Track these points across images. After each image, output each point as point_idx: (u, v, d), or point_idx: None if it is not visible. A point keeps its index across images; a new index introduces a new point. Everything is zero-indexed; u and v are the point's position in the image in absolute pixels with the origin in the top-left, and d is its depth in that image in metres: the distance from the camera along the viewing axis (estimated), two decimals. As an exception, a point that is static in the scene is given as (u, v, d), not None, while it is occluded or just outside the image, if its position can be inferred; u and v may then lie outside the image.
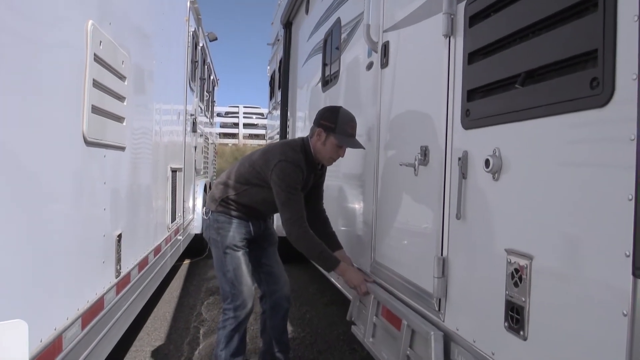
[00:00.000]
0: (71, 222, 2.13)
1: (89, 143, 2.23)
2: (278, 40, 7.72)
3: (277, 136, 7.26)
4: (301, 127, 5.70)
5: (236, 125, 20.88)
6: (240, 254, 2.95)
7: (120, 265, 2.86)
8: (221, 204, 2.98)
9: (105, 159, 2.53)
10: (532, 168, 1.48)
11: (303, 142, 2.94)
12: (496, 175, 1.63)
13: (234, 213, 2.96)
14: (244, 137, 20.74)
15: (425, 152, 2.18)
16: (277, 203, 2.80)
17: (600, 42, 1.22)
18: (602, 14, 1.22)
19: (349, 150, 3.63)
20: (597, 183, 1.24)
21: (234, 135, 20.76)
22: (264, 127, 18.10)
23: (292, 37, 6.44)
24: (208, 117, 9.32)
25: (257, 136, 20.15)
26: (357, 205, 3.35)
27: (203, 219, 3.18)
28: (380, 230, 2.78)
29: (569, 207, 1.33)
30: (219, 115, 18.25)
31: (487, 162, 1.64)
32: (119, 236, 2.83)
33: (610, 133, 1.19)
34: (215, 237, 2.97)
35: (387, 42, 2.72)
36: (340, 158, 2.97)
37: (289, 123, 6.58)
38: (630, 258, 1.07)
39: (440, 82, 2.04)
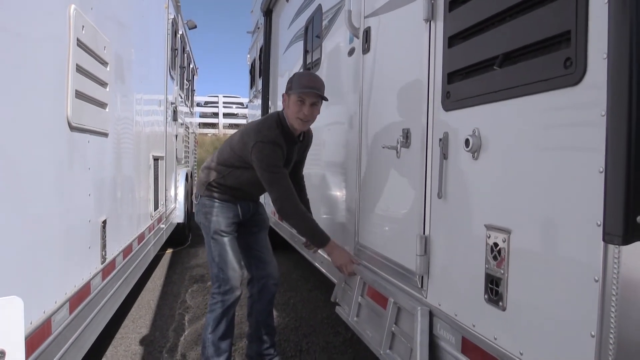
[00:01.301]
0: (57, 207, 2.14)
1: (73, 128, 2.24)
2: (258, 28, 7.70)
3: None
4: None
5: (216, 115, 20.76)
6: (227, 240, 2.95)
7: (105, 252, 2.87)
8: (208, 188, 2.99)
9: (89, 144, 2.53)
10: (510, 146, 1.55)
11: (278, 116, 2.90)
12: (475, 154, 1.70)
13: (221, 196, 2.97)
14: (224, 126, 20.63)
15: (407, 135, 2.24)
16: (263, 184, 2.82)
17: (573, 24, 1.28)
18: (575, -4, 1.28)
19: (330, 139, 3.68)
20: (571, 158, 1.31)
21: (214, 125, 20.64)
22: (244, 116, 18.02)
23: (273, 25, 6.44)
24: (188, 106, 9.27)
25: (237, 126, 20.02)
26: (340, 192, 3.41)
27: (194, 204, 3.19)
28: (363, 214, 2.84)
29: (544, 182, 1.40)
30: (198, 105, 18.12)
31: (467, 142, 1.70)
32: (104, 222, 2.83)
33: (583, 110, 1.26)
34: (204, 222, 3.00)
35: (369, 27, 2.76)
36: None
37: (271, 110, 6.59)
38: (602, 226, 1.14)
39: (421, 65, 2.09)
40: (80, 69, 2.29)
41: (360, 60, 2.86)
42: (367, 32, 2.78)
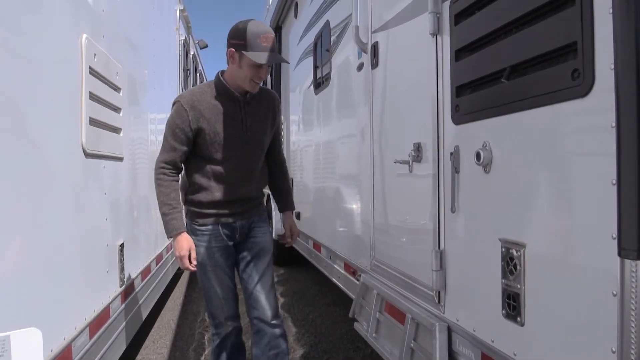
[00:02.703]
0: (75, 233, 2.17)
1: (88, 155, 2.28)
2: (268, 44, 7.74)
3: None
4: (295, 130, 5.74)
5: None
6: (209, 272, 2.49)
7: (123, 275, 2.89)
8: (187, 208, 2.56)
9: (105, 169, 2.57)
10: (521, 159, 1.53)
11: (216, 76, 2.49)
12: (487, 167, 1.68)
13: (198, 215, 2.49)
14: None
15: (418, 149, 2.23)
16: None
17: (579, 35, 1.27)
18: (580, 7, 1.27)
19: (344, 152, 3.68)
20: (582, 170, 1.29)
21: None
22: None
23: (282, 41, 6.49)
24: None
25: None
26: (355, 206, 3.40)
27: None
28: (378, 228, 2.83)
29: (557, 195, 1.38)
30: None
31: (477, 155, 1.69)
32: (122, 245, 2.86)
33: (593, 121, 1.24)
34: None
35: (377, 42, 2.77)
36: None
37: (283, 127, 6.62)
38: (617, 240, 1.12)
39: (430, 79, 2.09)
40: (93, 97, 2.34)
41: (370, 75, 2.87)
42: (375, 47, 2.79)
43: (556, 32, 1.36)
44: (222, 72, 2.47)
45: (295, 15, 5.53)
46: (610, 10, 1.17)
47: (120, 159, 2.90)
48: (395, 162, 2.41)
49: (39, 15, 1.85)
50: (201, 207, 2.47)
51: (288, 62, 2.65)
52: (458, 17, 1.88)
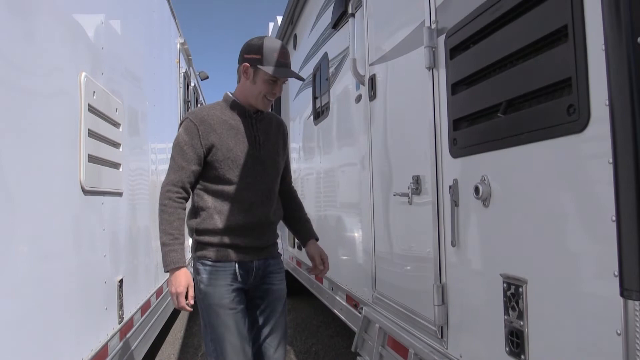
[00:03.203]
0: (72, 270, 2.15)
1: (86, 192, 2.27)
2: (269, 75, 7.83)
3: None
4: (296, 159, 5.75)
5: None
6: (228, 318, 2.17)
7: (122, 311, 2.86)
8: (195, 242, 2.29)
9: (104, 206, 2.56)
10: (520, 194, 1.52)
11: (225, 94, 2.38)
12: (486, 202, 1.67)
13: (211, 253, 2.21)
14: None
15: (417, 181, 2.22)
16: None
17: (573, 71, 1.27)
18: (573, 43, 1.27)
19: (345, 182, 3.67)
20: (582, 206, 1.28)
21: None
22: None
23: (282, 72, 6.54)
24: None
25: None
26: (357, 237, 3.38)
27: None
28: (380, 261, 2.80)
29: (557, 231, 1.36)
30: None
31: (476, 190, 1.68)
32: (120, 281, 2.84)
33: (590, 157, 1.24)
34: (197, 293, 2.23)
35: (374, 75, 2.79)
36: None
37: (284, 156, 6.63)
38: (619, 280, 1.10)
39: (427, 112, 2.09)
40: (92, 134, 2.34)
41: (368, 107, 2.88)
42: (372, 80, 2.81)
43: (550, 68, 1.36)
44: (231, 92, 2.36)
45: (295, 46, 5.60)
46: (603, 47, 1.17)
47: (120, 194, 2.90)
48: (394, 195, 2.40)
49: (38, 54, 1.87)
50: (216, 236, 2.19)
51: (304, 79, 2.62)
52: (453, 51, 1.89)
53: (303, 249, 4.65)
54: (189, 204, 2.31)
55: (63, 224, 2.08)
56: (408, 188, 2.28)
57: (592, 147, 1.22)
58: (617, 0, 1.07)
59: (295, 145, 5.80)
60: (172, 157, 2.23)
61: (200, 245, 2.25)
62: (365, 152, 2.97)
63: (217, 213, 2.21)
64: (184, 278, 2.14)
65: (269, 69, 2.21)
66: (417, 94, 2.22)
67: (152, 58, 4.21)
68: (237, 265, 2.21)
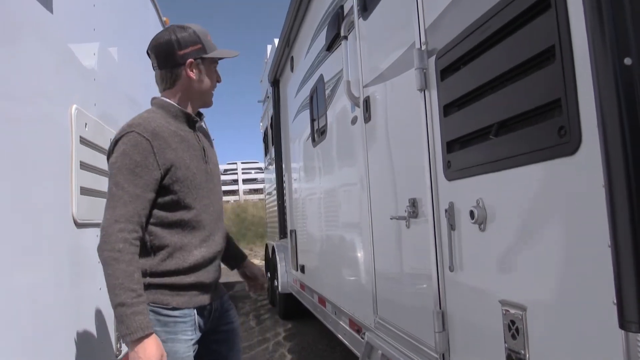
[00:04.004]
0: (65, 305, 2.11)
1: (79, 225, 2.24)
2: (268, 97, 7.87)
3: (275, 191, 7.30)
4: (296, 181, 5.73)
5: (235, 182, 21.02)
6: None
7: (120, 344, 2.81)
8: (146, 283, 1.75)
9: (98, 238, 2.52)
10: (515, 218, 1.48)
11: (156, 103, 1.96)
12: (482, 226, 1.63)
13: (172, 300, 1.78)
14: (245, 192, 20.84)
15: (414, 204, 2.19)
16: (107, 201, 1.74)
17: (562, 91, 1.24)
18: (561, 64, 1.25)
19: (344, 205, 3.63)
20: (578, 231, 1.24)
21: (234, 192, 20.86)
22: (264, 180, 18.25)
23: (281, 94, 6.58)
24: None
25: (256, 191, 20.24)
26: (357, 260, 3.33)
27: None
28: (380, 285, 2.75)
29: (554, 256, 1.32)
30: (218, 173, 18.41)
31: (471, 214, 1.64)
32: (117, 313, 2.79)
33: (584, 180, 1.20)
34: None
35: (368, 97, 2.77)
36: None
37: (285, 178, 6.62)
38: (617, 310, 1.05)
39: (421, 134, 2.06)
40: (84, 166, 2.32)
41: (364, 129, 2.86)
42: (367, 102, 2.79)
43: (540, 89, 1.34)
44: (161, 99, 1.96)
45: (292, 69, 5.61)
46: (591, 68, 1.14)
47: (116, 224, 2.86)
48: (391, 219, 2.36)
49: (26, 88, 1.86)
50: (177, 276, 1.79)
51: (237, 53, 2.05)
52: (444, 73, 1.87)
53: (305, 272, 4.59)
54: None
55: (55, 259, 2.04)
56: (405, 211, 2.24)
57: (585, 170, 1.19)
58: (601, 22, 1.04)
59: (295, 166, 5.78)
60: (116, 185, 1.71)
61: (153, 289, 1.77)
62: (363, 175, 2.93)
63: (177, 250, 1.80)
64: (155, 349, 1.64)
65: (216, 53, 1.93)
66: (411, 115, 2.19)
67: (149, 86, 4.21)
68: (195, 312, 1.84)
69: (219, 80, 2.02)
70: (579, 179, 1.22)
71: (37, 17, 1.92)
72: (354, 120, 3.12)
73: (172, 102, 1.92)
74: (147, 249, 1.79)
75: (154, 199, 1.77)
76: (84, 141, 2.33)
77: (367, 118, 2.79)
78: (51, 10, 2.03)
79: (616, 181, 1.06)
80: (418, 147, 2.11)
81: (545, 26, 1.30)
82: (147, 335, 1.62)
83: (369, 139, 2.80)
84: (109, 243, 1.67)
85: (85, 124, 2.36)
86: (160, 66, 1.94)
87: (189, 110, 1.95)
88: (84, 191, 2.31)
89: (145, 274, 1.76)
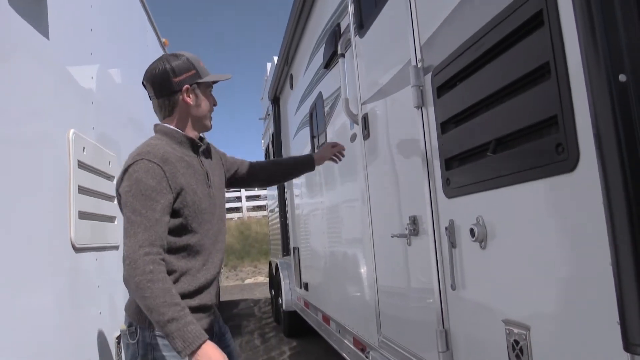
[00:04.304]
0: (65, 330, 2.09)
1: (77, 250, 2.22)
2: (268, 114, 7.90)
3: (277, 208, 7.28)
4: (298, 194, 5.72)
5: (239, 199, 20.99)
6: None
7: (121, 368, 2.78)
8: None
9: (97, 261, 2.51)
10: (516, 236, 1.46)
11: (160, 130, 1.99)
12: (483, 243, 1.61)
13: None
14: (248, 209, 20.80)
15: (415, 222, 2.17)
16: (123, 225, 1.77)
17: (558, 108, 1.23)
18: (556, 81, 1.23)
19: (345, 222, 3.61)
20: (579, 249, 1.21)
21: (238, 209, 20.82)
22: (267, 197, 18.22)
23: (281, 112, 6.59)
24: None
25: (260, 208, 20.20)
26: (360, 278, 3.30)
27: (122, 342, 1.98)
28: (384, 303, 2.72)
29: (555, 274, 1.30)
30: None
31: (472, 232, 1.62)
32: (118, 338, 2.76)
33: (583, 198, 1.18)
34: None
35: (367, 114, 2.77)
36: None
37: (287, 195, 6.61)
38: (621, 331, 1.03)
39: (419, 151, 2.05)
40: (83, 190, 2.31)
41: (362, 146, 2.85)
42: (365, 119, 2.78)
43: (536, 105, 1.33)
44: (163, 126, 2.00)
45: (291, 86, 5.63)
46: (587, 83, 1.13)
47: (116, 247, 2.85)
48: (392, 237, 2.33)
49: (23, 115, 1.86)
50: (184, 300, 1.76)
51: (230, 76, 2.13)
52: (440, 90, 1.86)
53: (309, 290, 4.54)
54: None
55: (53, 284, 2.02)
56: (406, 229, 2.22)
57: (584, 188, 1.17)
58: (594, 39, 1.03)
59: (297, 183, 5.78)
60: (134, 211, 1.73)
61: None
62: (364, 192, 2.92)
63: (183, 275, 1.85)
64: (217, 351, 1.68)
65: (210, 77, 2.00)
66: (410, 132, 2.18)
67: (149, 108, 4.22)
68: None
69: (215, 104, 2.08)
70: (578, 196, 1.20)
71: (32, 43, 1.93)
72: (353, 138, 3.11)
73: (175, 129, 1.97)
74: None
75: None
76: (82, 165, 2.32)
77: (366, 135, 2.78)
78: (47, 36, 2.04)
79: (615, 198, 1.03)
80: (417, 165, 2.09)
81: (539, 43, 1.29)
82: (204, 342, 1.66)
83: (369, 156, 2.79)
84: (138, 268, 1.67)
85: (84, 147, 2.36)
86: (157, 95, 1.99)
87: (191, 135, 2.00)
88: (83, 215, 2.30)
89: None
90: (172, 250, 1.83)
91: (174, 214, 1.82)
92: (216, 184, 2.06)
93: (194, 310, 1.82)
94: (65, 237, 2.15)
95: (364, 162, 2.84)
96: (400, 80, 2.27)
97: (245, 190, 21.06)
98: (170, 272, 1.80)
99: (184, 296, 1.80)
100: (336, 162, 2.67)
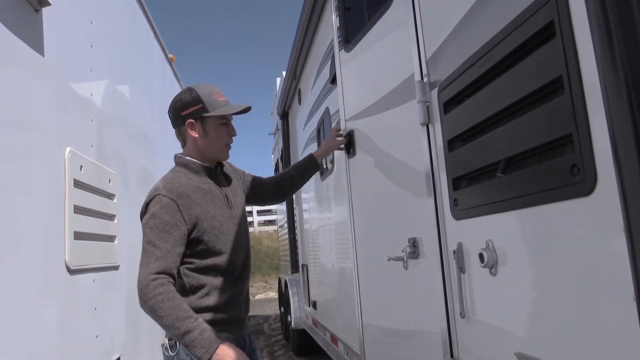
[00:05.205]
0: (59, 356, 2.01)
1: (72, 272, 2.15)
2: (278, 130, 7.85)
3: (286, 224, 7.20)
4: (307, 210, 5.63)
5: (250, 213, 20.94)
6: None
7: (120, 392, 2.69)
8: None
9: (95, 282, 2.44)
10: (528, 262, 1.36)
11: (179, 162, 2.16)
12: (493, 270, 1.50)
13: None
14: (259, 224, 20.73)
15: (414, 244, 2.07)
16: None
17: (573, 126, 1.13)
18: (570, 97, 1.14)
19: (343, 245, 3.51)
20: (598, 280, 1.11)
21: (249, 224, 20.74)
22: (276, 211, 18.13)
23: (290, 127, 6.54)
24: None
25: (271, 222, 20.13)
26: (365, 301, 3.19)
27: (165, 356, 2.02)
28: (389, 327, 2.60)
29: (573, 306, 1.19)
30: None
31: (481, 257, 1.52)
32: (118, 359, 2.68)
33: (601, 224, 1.08)
34: None
35: (352, 131, 2.73)
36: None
37: (296, 211, 6.53)
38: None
39: (422, 170, 1.95)
40: (79, 209, 2.25)
41: (346, 163, 2.81)
42: (350, 136, 2.74)
43: (548, 123, 1.23)
44: (180, 157, 2.17)
45: (299, 101, 5.58)
46: (604, 100, 1.04)
47: (116, 267, 2.78)
48: (388, 260, 2.23)
49: (19, 135, 1.80)
50: (216, 313, 1.98)
51: (250, 108, 2.16)
52: (447, 106, 1.77)
53: (317, 309, 4.45)
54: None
55: (46, 307, 1.95)
56: (403, 251, 2.12)
57: (603, 213, 1.06)
58: (611, 51, 0.94)
59: (305, 198, 5.70)
60: (149, 242, 1.92)
61: None
62: (361, 214, 2.82)
63: (213, 289, 2.02)
64: (234, 349, 1.82)
65: (218, 111, 2.08)
66: (409, 150, 2.09)
67: (153, 123, 4.18)
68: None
69: (232, 134, 2.17)
70: (596, 222, 1.09)
71: (27, 59, 1.88)
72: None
73: (192, 159, 2.13)
74: (186, 289, 1.99)
75: (188, 249, 1.98)
76: (78, 184, 2.26)
77: (352, 153, 2.74)
78: (42, 53, 1.99)
79: (637, 226, 0.93)
80: (417, 184, 1.99)
81: (550, 56, 1.20)
82: (221, 344, 1.81)
83: (355, 174, 2.75)
84: (149, 293, 1.84)
85: (81, 166, 2.30)
86: (172, 125, 2.21)
87: (207, 163, 2.15)
88: (79, 235, 2.23)
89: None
90: (200, 269, 2.00)
91: (195, 241, 1.99)
92: (237, 203, 2.21)
93: (225, 322, 2.01)
94: (60, 258, 2.08)
95: (348, 181, 2.78)
96: (399, 96, 2.18)
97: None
98: (200, 287, 1.99)
99: (216, 309, 1.99)
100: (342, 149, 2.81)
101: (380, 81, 2.39)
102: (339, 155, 3.55)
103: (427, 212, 1.92)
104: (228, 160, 2.31)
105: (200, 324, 1.83)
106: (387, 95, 2.31)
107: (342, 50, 2.81)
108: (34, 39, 1.94)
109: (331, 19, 3.08)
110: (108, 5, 3.00)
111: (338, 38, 2.83)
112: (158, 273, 1.87)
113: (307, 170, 2.72)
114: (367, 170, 2.59)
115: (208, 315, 1.97)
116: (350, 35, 2.73)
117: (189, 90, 2.12)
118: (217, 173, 2.18)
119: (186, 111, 2.09)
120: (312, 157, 2.73)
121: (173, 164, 2.20)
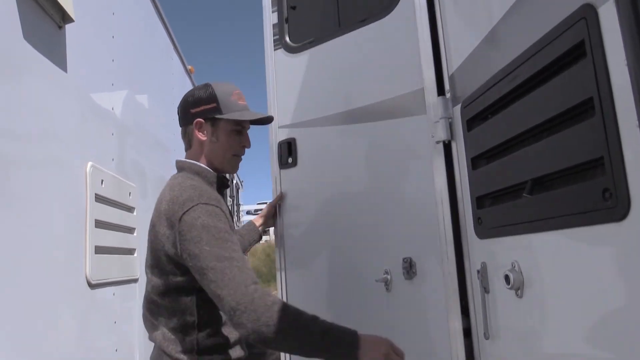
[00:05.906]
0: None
1: (93, 286, 2.16)
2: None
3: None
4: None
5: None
6: None
7: (138, 406, 2.69)
8: None
9: (115, 296, 2.44)
10: (557, 286, 1.32)
11: (190, 168, 1.86)
12: (519, 291, 1.47)
13: None
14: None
15: (410, 264, 2.05)
16: (205, 281, 1.57)
17: (605, 149, 1.10)
18: (602, 119, 1.11)
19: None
20: (628, 307, 1.07)
21: (265, 232, 20.72)
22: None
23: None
24: (234, 221, 9.35)
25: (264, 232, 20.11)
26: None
27: None
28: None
29: (601, 334, 1.15)
30: (248, 213, 18.43)
31: (507, 278, 1.48)
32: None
33: (634, 251, 1.04)
34: None
35: (293, 139, 2.68)
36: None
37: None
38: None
39: (428, 186, 1.93)
40: (100, 224, 2.26)
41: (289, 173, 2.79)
42: (290, 144, 2.68)
43: (579, 145, 1.20)
44: (186, 162, 1.90)
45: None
46: (637, 123, 1.01)
47: (135, 280, 2.78)
48: (376, 281, 2.18)
49: (40, 150, 1.81)
50: (225, 351, 1.73)
51: (272, 119, 2.00)
52: (470, 122, 1.75)
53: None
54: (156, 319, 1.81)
55: (66, 322, 1.95)
56: (385, 272, 2.12)
57: (636, 240, 1.03)
58: (648, 76, 0.91)
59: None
60: (218, 259, 1.55)
61: None
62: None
63: (222, 326, 1.75)
64: (376, 336, 1.60)
65: (233, 115, 1.79)
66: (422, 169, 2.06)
67: (172, 134, 4.20)
68: None
69: (245, 145, 1.90)
70: (630, 249, 1.06)
71: (50, 75, 1.89)
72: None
73: (207, 168, 1.85)
74: (194, 326, 1.71)
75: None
76: (99, 198, 2.27)
77: (293, 162, 2.68)
78: (65, 69, 2.00)
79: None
80: (422, 196, 1.96)
81: (580, 77, 1.17)
82: (360, 334, 1.57)
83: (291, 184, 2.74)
84: (259, 306, 1.50)
85: (102, 180, 2.31)
86: (179, 123, 1.95)
87: (215, 170, 1.90)
88: (99, 250, 2.24)
89: (192, 350, 1.69)
90: (211, 300, 1.63)
91: None
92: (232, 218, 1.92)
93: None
94: (80, 273, 2.09)
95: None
96: (403, 109, 2.14)
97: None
98: (211, 322, 1.72)
99: (226, 347, 1.73)
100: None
101: (353, 93, 2.38)
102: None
103: (429, 230, 1.89)
104: None
105: (329, 322, 1.56)
106: (387, 105, 2.26)
107: (281, 49, 2.74)
108: (57, 55, 1.96)
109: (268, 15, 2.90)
110: (129, 20, 3.03)
111: (274, 36, 2.77)
112: (252, 282, 1.55)
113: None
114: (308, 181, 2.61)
115: (223, 356, 1.72)
116: (293, 35, 2.68)
117: (205, 86, 1.86)
118: (227, 187, 1.93)
119: (197, 109, 1.82)
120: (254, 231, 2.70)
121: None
